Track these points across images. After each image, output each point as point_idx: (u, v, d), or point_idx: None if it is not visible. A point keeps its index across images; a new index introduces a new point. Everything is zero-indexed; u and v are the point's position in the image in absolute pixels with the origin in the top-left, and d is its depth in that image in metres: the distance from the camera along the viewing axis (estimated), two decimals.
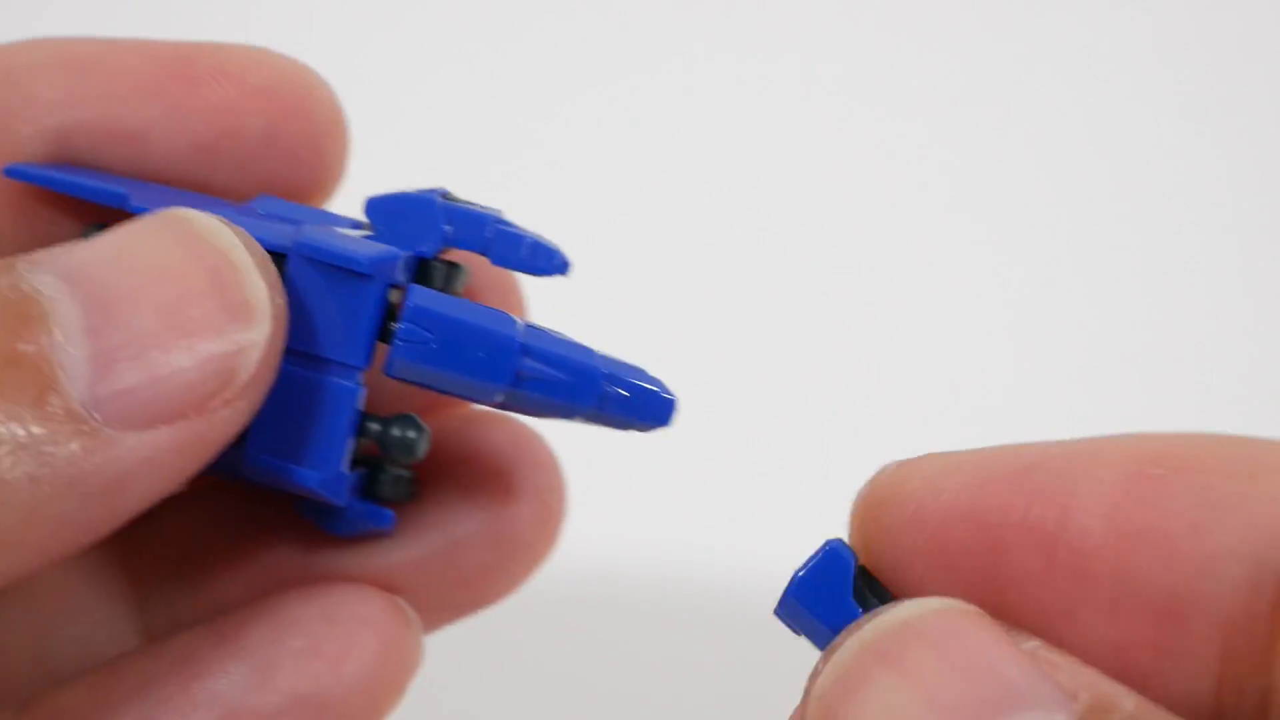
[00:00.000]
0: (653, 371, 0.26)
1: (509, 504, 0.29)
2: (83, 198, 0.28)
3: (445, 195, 0.27)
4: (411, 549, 0.29)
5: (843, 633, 0.22)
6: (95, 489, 0.23)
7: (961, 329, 0.52)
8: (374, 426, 0.27)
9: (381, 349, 0.26)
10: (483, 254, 0.26)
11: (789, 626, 0.24)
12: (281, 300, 0.25)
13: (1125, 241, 0.54)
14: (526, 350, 0.26)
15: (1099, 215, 0.55)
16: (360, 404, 0.26)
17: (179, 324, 0.23)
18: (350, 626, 0.28)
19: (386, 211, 0.27)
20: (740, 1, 0.58)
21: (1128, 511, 0.22)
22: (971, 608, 0.22)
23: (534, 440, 0.30)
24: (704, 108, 0.57)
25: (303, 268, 0.26)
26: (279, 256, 0.26)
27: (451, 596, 0.29)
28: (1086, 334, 0.52)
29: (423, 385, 0.26)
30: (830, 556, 0.24)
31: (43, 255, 0.24)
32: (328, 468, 0.26)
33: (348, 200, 0.30)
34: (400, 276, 0.26)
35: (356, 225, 0.27)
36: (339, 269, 0.26)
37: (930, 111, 0.55)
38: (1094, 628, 0.22)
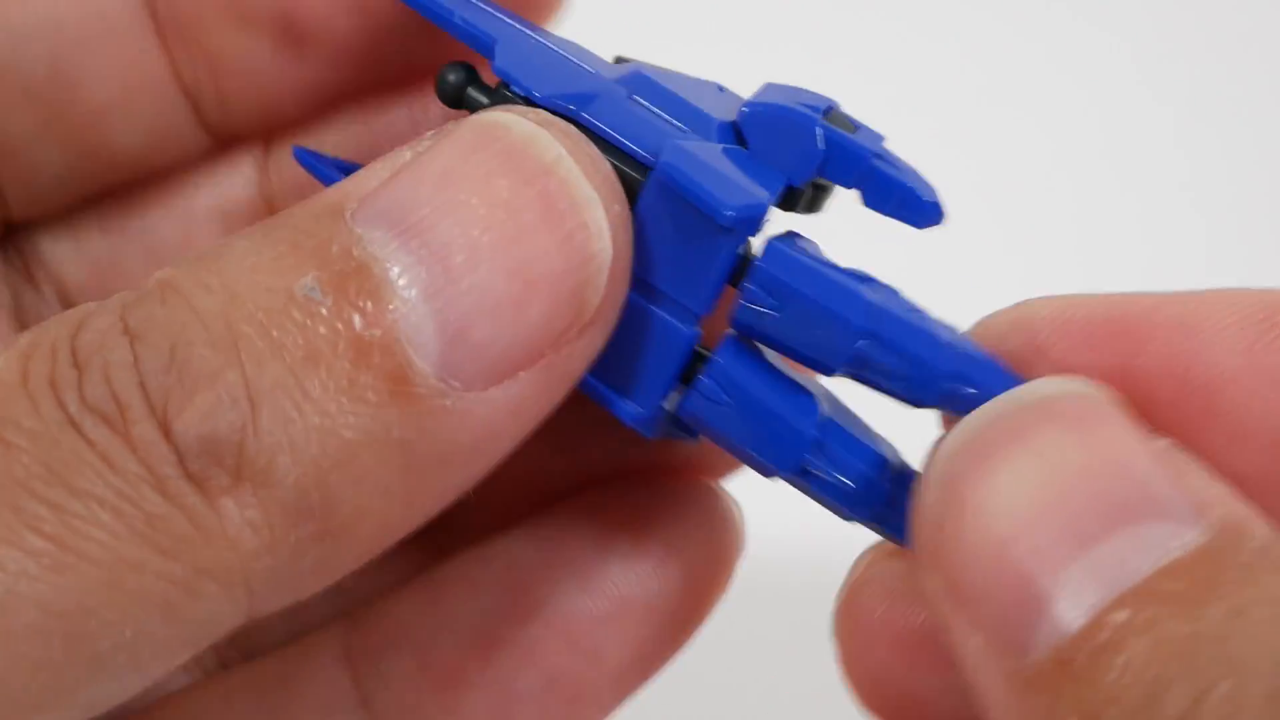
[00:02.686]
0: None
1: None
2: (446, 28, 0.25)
3: (830, 112, 0.25)
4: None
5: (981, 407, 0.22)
6: (469, 455, 0.22)
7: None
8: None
9: (729, 293, 0.24)
10: (853, 190, 0.24)
11: None
12: (621, 207, 0.23)
13: (1136, 240, 0.53)
14: (868, 333, 0.23)
15: (1104, 214, 0.54)
16: (693, 348, 0.24)
17: (522, 267, 0.21)
18: (686, 526, 0.28)
19: (763, 125, 0.24)
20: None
21: (1262, 350, 0.22)
22: (1111, 394, 0.22)
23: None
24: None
25: (662, 192, 0.23)
26: (642, 167, 0.24)
27: None
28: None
29: (767, 344, 0.24)
30: None
31: (365, 190, 0.22)
32: (647, 405, 0.24)
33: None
34: (761, 228, 0.24)
35: (727, 130, 0.25)
36: (699, 210, 0.23)
37: (933, 110, 0.55)
38: (1219, 459, 0.21)
